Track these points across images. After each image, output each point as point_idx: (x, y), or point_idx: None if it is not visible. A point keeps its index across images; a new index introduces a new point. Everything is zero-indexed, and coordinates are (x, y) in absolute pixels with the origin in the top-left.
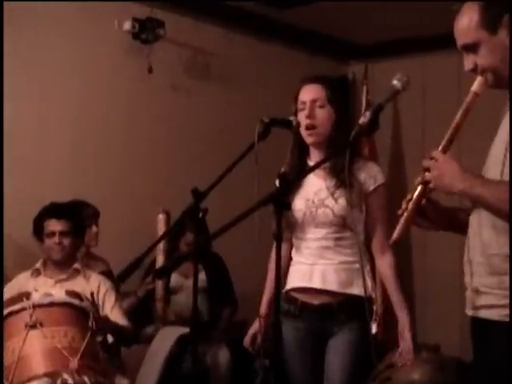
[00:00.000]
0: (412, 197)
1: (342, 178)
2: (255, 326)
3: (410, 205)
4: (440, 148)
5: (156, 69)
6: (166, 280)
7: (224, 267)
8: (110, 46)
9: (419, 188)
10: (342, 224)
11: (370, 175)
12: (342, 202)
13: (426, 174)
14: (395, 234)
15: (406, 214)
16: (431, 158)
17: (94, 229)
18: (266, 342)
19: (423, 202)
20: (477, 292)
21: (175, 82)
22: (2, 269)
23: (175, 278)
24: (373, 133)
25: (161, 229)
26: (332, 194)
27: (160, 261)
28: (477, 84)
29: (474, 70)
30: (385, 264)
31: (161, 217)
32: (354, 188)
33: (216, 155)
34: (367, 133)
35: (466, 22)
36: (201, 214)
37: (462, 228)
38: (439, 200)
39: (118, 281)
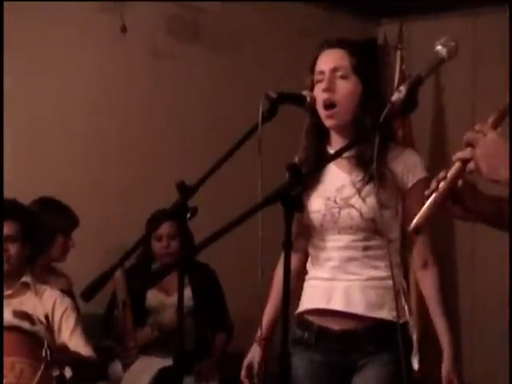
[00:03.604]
0: (446, 175)
1: (372, 170)
2: (252, 354)
3: (442, 184)
4: (490, 121)
5: (132, 28)
6: (142, 298)
7: (216, 282)
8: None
9: (456, 165)
10: (371, 229)
11: (409, 167)
12: (372, 201)
13: (469, 150)
14: (417, 219)
15: (435, 194)
16: (477, 132)
17: (71, 243)
18: (265, 373)
19: (459, 183)
20: None
21: (156, 46)
22: (1, 269)
23: (154, 295)
24: (409, 113)
25: (120, 288)
26: (359, 192)
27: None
28: None
29: None
30: (427, 278)
31: (118, 274)
32: (388, 183)
33: (208, 139)
34: (402, 113)
35: None
36: (188, 215)
37: (505, 225)
38: (478, 184)
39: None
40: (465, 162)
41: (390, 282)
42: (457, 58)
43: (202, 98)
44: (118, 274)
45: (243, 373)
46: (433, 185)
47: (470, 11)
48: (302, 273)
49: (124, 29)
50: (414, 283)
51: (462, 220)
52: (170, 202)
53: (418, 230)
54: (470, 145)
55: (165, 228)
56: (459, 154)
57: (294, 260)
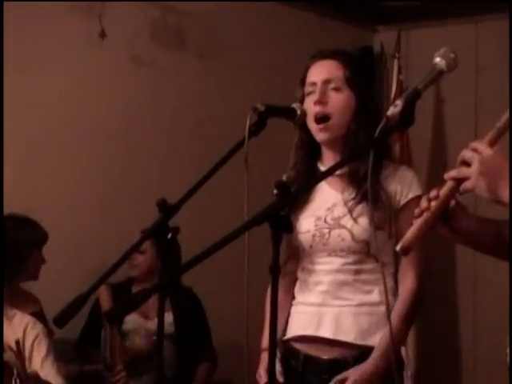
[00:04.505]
0: (438, 194)
1: (365, 189)
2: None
3: (434, 204)
4: (486, 139)
5: (111, 33)
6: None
7: (200, 308)
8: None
9: (450, 184)
10: (363, 252)
11: (403, 185)
12: (364, 222)
13: (464, 168)
14: (405, 239)
15: (425, 214)
16: (473, 150)
17: (43, 259)
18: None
19: (452, 203)
20: None
21: (137, 52)
22: (2, 269)
23: (132, 319)
24: (406, 128)
25: (104, 302)
26: (350, 211)
27: (105, 303)
28: None
29: None
30: (401, 289)
31: (103, 289)
32: (381, 203)
33: (192, 154)
34: (398, 128)
35: None
36: (170, 235)
37: (502, 251)
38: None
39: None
40: (459, 180)
41: (383, 308)
42: (458, 67)
43: (186, 108)
44: (104, 289)
45: (261, 375)
46: (424, 203)
47: (472, 18)
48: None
49: (103, 34)
50: None
51: (448, 241)
52: (151, 218)
53: (406, 250)
54: (466, 163)
55: (135, 258)
56: (453, 173)
57: (286, 284)
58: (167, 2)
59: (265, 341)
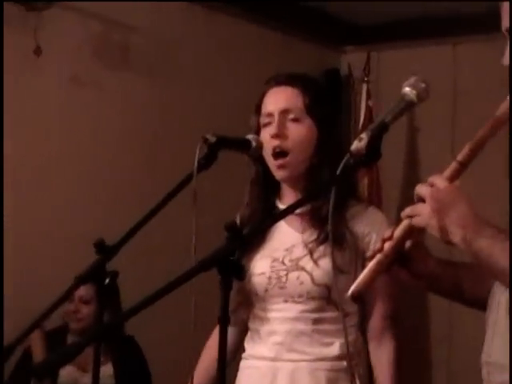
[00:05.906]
0: (392, 235)
1: (328, 229)
2: None
3: (388, 245)
4: (447, 173)
5: (48, 50)
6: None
7: (141, 359)
8: None
9: (404, 223)
10: (324, 298)
11: (372, 228)
12: (325, 264)
13: (419, 205)
14: (356, 284)
15: (378, 256)
16: (431, 185)
17: None
18: None
19: (407, 244)
20: None
21: (78, 72)
22: (1, 271)
23: (67, 371)
24: (371, 164)
25: (37, 351)
26: (311, 253)
27: (37, 352)
28: None
29: None
30: (382, 350)
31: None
32: (346, 245)
33: (138, 188)
34: (363, 164)
35: None
36: (107, 280)
37: (466, 297)
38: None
39: None
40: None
41: (344, 363)
42: (434, 92)
43: (131, 135)
44: (37, 336)
45: None
46: (377, 245)
47: (450, 39)
48: (240, 351)
49: (38, 51)
50: None
51: (408, 286)
52: (88, 261)
53: (356, 295)
54: (421, 199)
55: (79, 289)
56: (407, 211)
57: (232, 335)
58: (112, 15)
59: None
